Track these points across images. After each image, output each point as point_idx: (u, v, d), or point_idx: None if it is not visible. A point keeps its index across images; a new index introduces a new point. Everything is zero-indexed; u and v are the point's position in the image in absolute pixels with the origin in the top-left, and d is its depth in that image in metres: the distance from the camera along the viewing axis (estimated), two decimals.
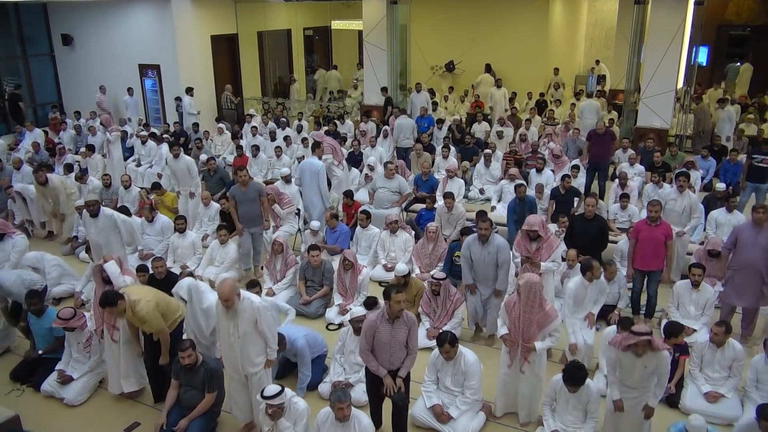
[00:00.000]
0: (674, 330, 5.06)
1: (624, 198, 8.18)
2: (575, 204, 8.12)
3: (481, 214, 6.00)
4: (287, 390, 4.27)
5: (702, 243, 7.61)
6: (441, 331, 5.29)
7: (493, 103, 13.66)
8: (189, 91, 13.16)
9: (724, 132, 11.33)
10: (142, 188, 9.23)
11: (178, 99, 12.79)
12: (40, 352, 5.73)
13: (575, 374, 4.50)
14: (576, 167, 9.24)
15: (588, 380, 4.58)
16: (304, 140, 11.64)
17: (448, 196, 8.13)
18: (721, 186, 8.03)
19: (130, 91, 13.60)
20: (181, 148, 9.23)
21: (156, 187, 9.03)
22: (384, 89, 13.40)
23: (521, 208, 7.71)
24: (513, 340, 4.85)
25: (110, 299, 4.80)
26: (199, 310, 5.43)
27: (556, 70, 15.27)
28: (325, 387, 5.43)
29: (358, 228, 7.94)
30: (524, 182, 8.38)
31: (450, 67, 15.83)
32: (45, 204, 8.76)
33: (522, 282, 4.75)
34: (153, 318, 4.91)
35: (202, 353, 4.88)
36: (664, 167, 9.18)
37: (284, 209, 8.02)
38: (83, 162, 10.84)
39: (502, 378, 5.04)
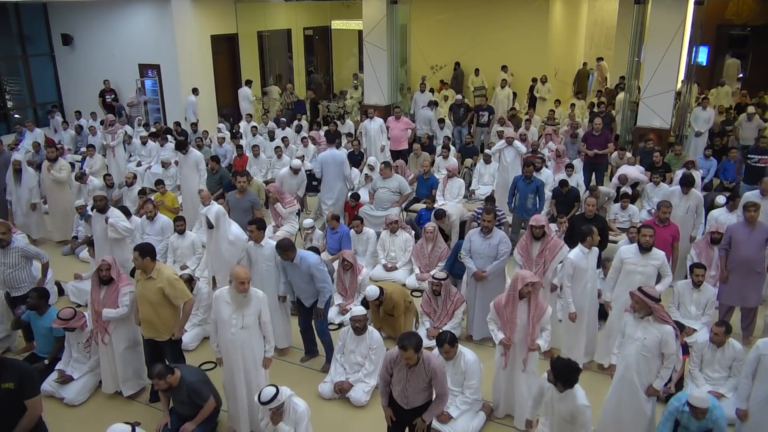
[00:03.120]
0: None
1: (624, 198, 8.17)
2: (575, 207, 8.12)
3: (488, 206, 5.94)
4: (284, 389, 4.25)
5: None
6: (441, 330, 5.28)
7: (497, 102, 13.68)
8: (248, 83, 14.19)
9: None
10: (142, 188, 9.22)
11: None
12: (46, 362, 5.73)
13: (566, 374, 4.08)
14: (570, 166, 9.23)
15: (577, 387, 4.17)
16: (303, 139, 11.66)
17: (439, 216, 7.78)
18: (720, 200, 7.88)
19: (195, 91, 13.67)
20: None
21: (159, 183, 9.05)
22: (311, 83, 13.55)
23: (525, 186, 7.76)
24: (510, 343, 4.80)
25: (144, 250, 4.90)
26: (223, 239, 5.94)
27: (504, 68, 14.94)
28: (325, 387, 5.43)
29: (352, 233, 7.89)
30: (533, 163, 8.34)
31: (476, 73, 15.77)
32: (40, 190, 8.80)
33: (533, 280, 4.69)
34: (181, 282, 5.07)
35: (179, 367, 4.73)
36: (665, 167, 9.18)
37: (287, 209, 8.03)
38: (88, 162, 10.83)
39: (498, 380, 5.03)
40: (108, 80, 14.28)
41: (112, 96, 14.32)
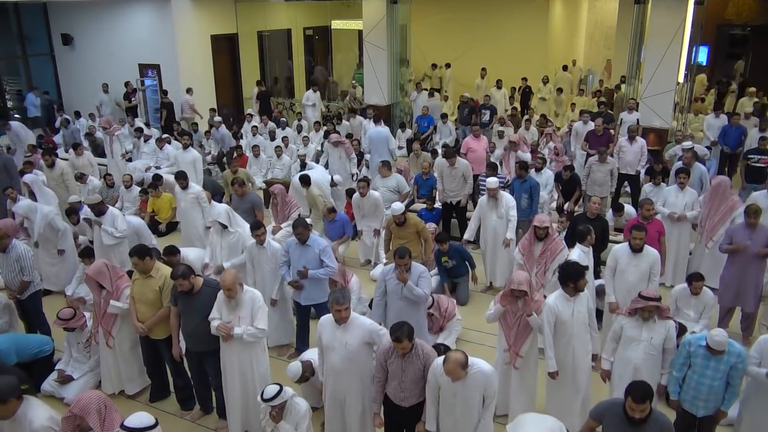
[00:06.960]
0: None
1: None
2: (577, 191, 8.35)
3: (399, 251, 5.03)
4: (287, 389, 4.26)
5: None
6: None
7: (494, 103, 13.65)
8: (313, 86, 14.38)
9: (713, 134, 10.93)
10: (143, 188, 9.21)
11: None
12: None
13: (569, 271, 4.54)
14: (569, 168, 9.21)
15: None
16: (305, 138, 11.62)
17: (450, 154, 8.13)
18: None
19: (258, 83, 14.05)
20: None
21: (156, 178, 9.01)
22: (258, 82, 14.03)
23: (519, 186, 7.76)
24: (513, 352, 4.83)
25: (141, 252, 4.97)
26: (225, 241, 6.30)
27: (565, 67, 15.12)
28: None
29: (356, 196, 7.89)
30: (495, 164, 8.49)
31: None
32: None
33: (520, 288, 4.64)
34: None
35: (202, 276, 4.95)
36: (664, 167, 9.17)
37: (292, 213, 7.98)
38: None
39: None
40: (130, 82, 14.05)
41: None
